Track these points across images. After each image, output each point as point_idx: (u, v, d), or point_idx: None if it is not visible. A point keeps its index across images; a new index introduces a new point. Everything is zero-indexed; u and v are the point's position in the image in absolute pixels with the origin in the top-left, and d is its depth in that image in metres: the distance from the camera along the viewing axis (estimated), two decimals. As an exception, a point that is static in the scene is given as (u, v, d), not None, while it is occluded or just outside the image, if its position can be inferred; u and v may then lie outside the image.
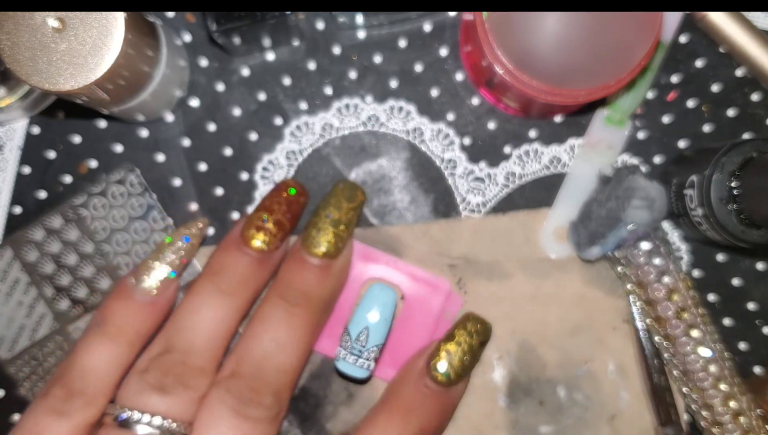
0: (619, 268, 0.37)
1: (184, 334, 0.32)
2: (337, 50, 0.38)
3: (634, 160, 0.39)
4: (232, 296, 0.33)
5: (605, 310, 0.38)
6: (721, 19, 0.37)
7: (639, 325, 0.38)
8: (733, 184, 0.32)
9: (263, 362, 0.31)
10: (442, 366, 0.33)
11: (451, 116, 0.39)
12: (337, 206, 0.34)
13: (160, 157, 0.39)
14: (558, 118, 0.39)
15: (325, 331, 0.36)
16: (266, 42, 0.37)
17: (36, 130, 0.39)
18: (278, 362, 0.31)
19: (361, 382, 0.38)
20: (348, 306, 0.37)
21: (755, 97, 0.38)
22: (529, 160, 0.39)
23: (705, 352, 0.36)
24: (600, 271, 0.38)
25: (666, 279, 0.36)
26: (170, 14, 0.38)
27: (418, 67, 0.38)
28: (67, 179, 0.39)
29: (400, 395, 0.33)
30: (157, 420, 0.30)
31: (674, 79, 0.39)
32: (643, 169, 0.39)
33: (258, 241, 0.33)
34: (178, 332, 0.32)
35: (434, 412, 0.33)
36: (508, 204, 0.39)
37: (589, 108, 0.38)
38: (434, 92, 0.39)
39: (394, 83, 0.39)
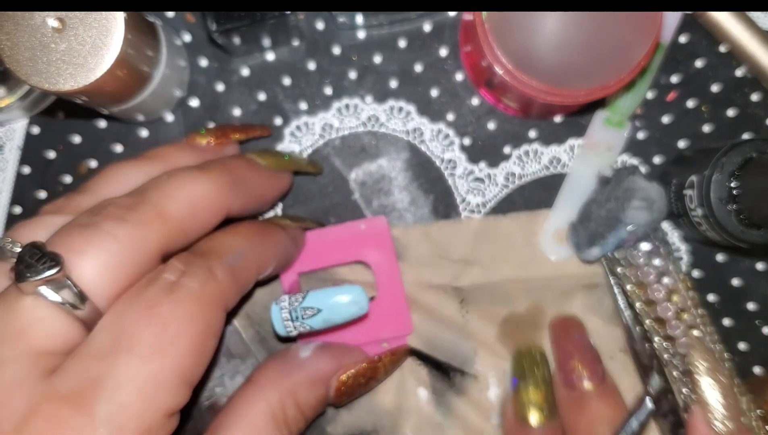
0: (619, 269, 0.37)
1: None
2: (337, 50, 0.38)
3: (634, 161, 0.39)
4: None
5: (603, 339, 0.38)
6: (722, 17, 0.37)
7: (620, 302, 0.38)
8: (732, 185, 0.32)
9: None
10: None
11: (450, 116, 0.39)
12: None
13: (160, 158, 0.39)
14: (558, 119, 0.39)
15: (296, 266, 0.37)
16: (266, 42, 0.37)
17: (36, 130, 0.39)
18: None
19: (275, 334, 0.37)
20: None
21: (755, 97, 0.38)
22: (528, 161, 0.39)
23: (705, 352, 0.36)
24: (601, 299, 0.38)
25: (666, 280, 0.36)
26: (170, 14, 0.38)
27: (418, 68, 0.38)
28: (67, 179, 0.38)
29: None
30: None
31: (674, 79, 0.39)
32: (643, 169, 0.39)
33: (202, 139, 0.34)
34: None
35: None
36: (507, 204, 0.39)
37: (588, 108, 0.38)
38: (434, 92, 0.39)
39: (393, 83, 0.39)
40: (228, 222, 0.30)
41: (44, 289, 0.23)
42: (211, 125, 0.38)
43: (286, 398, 0.31)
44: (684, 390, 0.37)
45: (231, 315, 0.38)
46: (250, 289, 0.29)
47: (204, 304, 0.25)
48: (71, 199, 0.28)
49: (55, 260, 0.23)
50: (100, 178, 0.30)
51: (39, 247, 0.23)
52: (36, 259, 0.23)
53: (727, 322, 0.38)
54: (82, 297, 0.24)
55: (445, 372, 0.38)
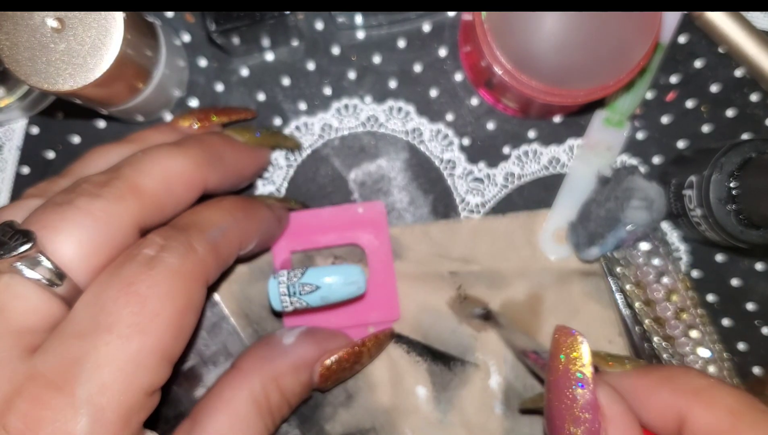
0: (618, 269, 0.37)
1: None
2: (336, 50, 0.38)
3: (633, 161, 0.39)
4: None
5: (601, 324, 0.38)
6: (719, 19, 0.37)
7: (617, 296, 0.38)
8: (732, 185, 0.32)
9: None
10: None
11: (450, 117, 0.39)
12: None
13: (160, 158, 0.38)
14: (557, 119, 0.39)
15: (291, 235, 0.37)
16: (265, 42, 0.37)
17: (35, 130, 0.39)
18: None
19: (272, 310, 0.37)
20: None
21: (754, 97, 0.38)
22: (528, 161, 0.39)
23: (704, 352, 0.36)
24: (598, 284, 0.38)
25: (665, 279, 0.36)
26: (169, 14, 0.38)
27: (417, 68, 0.39)
28: (67, 179, 0.38)
29: None
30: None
31: (673, 79, 0.39)
32: (642, 169, 0.39)
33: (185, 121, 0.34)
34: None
35: None
36: (507, 204, 0.39)
37: (588, 108, 0.38)
38: (433, 92, 0.39)
39: (393, 83, 0.39)
40: (207, 199, 0.30)
41: (20, 266, 0.23)
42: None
43: (269, 385, 0.31)
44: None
45: (230, 314, 0.38)
46: (231, 264, 0.29)
47: (184, 279, 0.24)
48: (53, 182, 0.28)
49: (27, 237, 0.23)
50: (81, 161, 0.30)
51: (11, 225, 0.23)
52: (8, 237, 0.23)
53: (726, 322, 0.38)
54: (59, 273, 0.23)
55: (445, 362, 0.38)
